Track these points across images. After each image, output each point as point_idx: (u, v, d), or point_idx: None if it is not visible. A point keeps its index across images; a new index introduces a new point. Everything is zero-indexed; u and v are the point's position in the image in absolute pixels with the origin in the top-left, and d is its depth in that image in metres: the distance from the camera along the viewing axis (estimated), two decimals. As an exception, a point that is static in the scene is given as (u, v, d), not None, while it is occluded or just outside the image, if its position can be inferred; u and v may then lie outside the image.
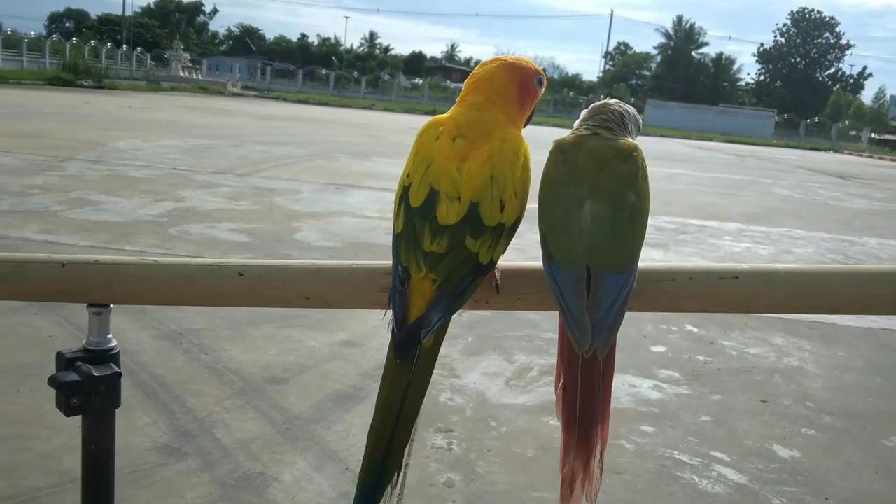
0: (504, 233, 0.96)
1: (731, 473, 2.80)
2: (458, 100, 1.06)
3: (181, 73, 51.48)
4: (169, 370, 3.26)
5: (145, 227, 6.09)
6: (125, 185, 8.12)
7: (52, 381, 1.03)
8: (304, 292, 1.05)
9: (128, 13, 66.56)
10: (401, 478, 0.88)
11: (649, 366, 3.91)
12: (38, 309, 3.85)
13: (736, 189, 14.22)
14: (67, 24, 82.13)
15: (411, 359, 0.93)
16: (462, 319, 4.36)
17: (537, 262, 1.02)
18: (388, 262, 1.03)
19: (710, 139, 41.58)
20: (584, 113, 1.08)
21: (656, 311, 1.07)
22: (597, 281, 0.92)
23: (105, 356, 1.08)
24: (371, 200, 8.62)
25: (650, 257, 6.64)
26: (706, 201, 11.67)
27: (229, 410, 2.93)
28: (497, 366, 3.69)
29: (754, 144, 40.78)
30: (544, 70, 1.11)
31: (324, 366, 3.50)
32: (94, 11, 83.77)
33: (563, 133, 1.06)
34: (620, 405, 3.33)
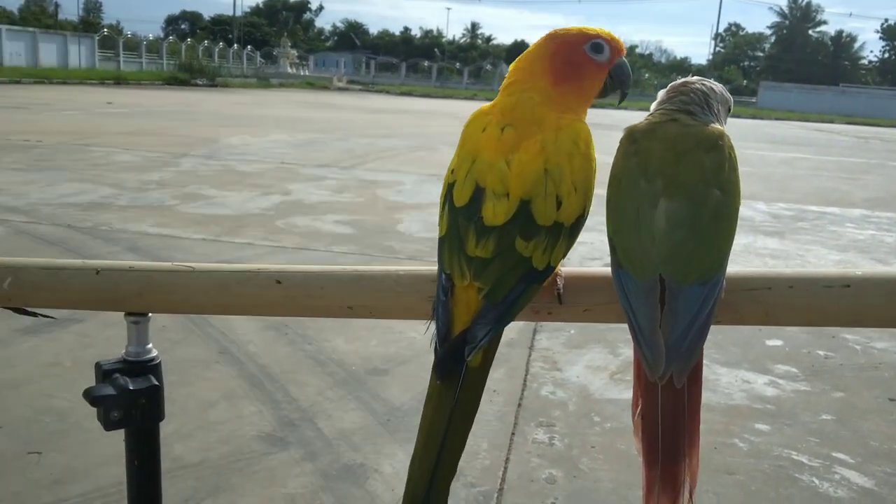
0: (563, 233, 0.84)
1: (855, 476, 2.62)
2: (502, 84, 0.93)
3: (289, 70, 53.00)
4: (274, 360, 3.32)
5: (254, 220, 6.26)
6: (235, 179, 8.39)
7: (87, 395, 0.98)
8: (346, 301, 0.96)
9: (238, 13, 69.07)
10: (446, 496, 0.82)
11: (764, 360, 3.71)
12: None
13: (859, 173, 13.43)
14: (183, 26, 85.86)
15: (455, 380, 0.81)
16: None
17: (609, 269, 0.88)
18: (431, 269, 0.93)
19: (831, 121, 39.47)
20: (661, 94, 0.92)
21: (748, 324, 0.91)
22: (673, 294, 0.78)
23: (145, 368, 1.02)
24: (473, 191, 8.58)
25: (764, 247, 6.32)
26: (826, 186, 11.06)
27: (331, 401, 2.95)
28: (601, 359, 3.59)
29: (879, 126, 38.45)
30: (616, 37, 0.91)
31: (424, 357, 3.49)
32: (208, 13, 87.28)
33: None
34: (733, 401, 3.17)
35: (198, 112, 19.65)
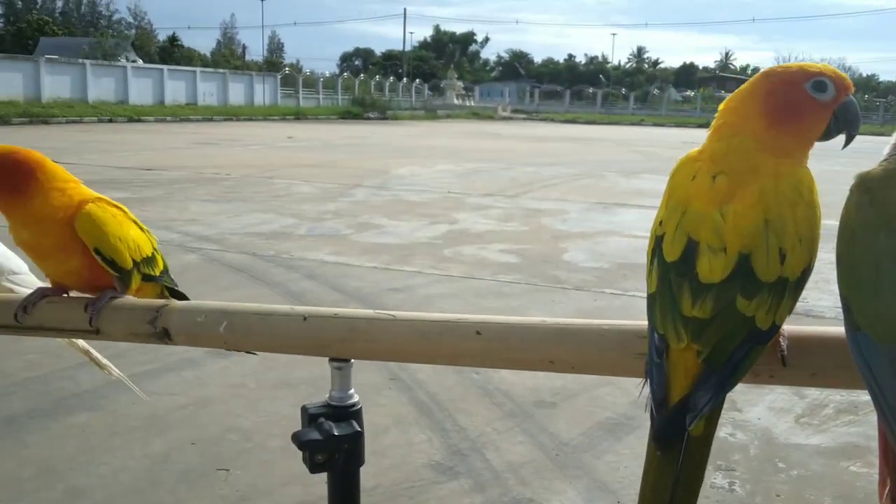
0: (788, 289, 0.77)
1: None
2: (711, 127, 0.87)
3: (455, 101, 54.27)
4: (443, 388, 3.36)
5: (422, 249, 6.41)
6: (405, 209, 8.66)
7: (295, 439, 1.02)
8: (547, 355, 0.94)
9: (408, 48, 71.69)
10: None
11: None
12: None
13: None
14: (356, 62, 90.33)
15: (677, 449, 0.76)
16: (742, 347, 4.04)
17: (840, 327, 0.79)
18: (645, 324, 0.87)
19: None
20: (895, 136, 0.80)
21: None
22: None
23: (347, 413, 1.06)
24: (641, 219, 8.38)
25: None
26: None
27: (499, 432, 2.95)
28: (785, 400, 3.36)
29: None
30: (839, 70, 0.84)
31: (594, 391, 3.41)
32: (379, 49, 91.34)
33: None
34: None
35: (369, 144, 20.53)
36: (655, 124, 45.99)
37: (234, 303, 1.11)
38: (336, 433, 1.02)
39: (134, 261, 1.17)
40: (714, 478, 2.64)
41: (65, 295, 1.20)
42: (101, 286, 1.16)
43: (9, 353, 3.64)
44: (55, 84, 30.77)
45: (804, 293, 0.82)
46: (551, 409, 3.19)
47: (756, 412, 3.21)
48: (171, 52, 60.53)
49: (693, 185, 0.81)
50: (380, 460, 2.70)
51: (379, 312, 1.03)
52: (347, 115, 39.83)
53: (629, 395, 3.38)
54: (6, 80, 29.14)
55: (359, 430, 1.05)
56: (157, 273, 1.24)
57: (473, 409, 3.17)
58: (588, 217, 8.46)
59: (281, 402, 3.19)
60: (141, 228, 1.23)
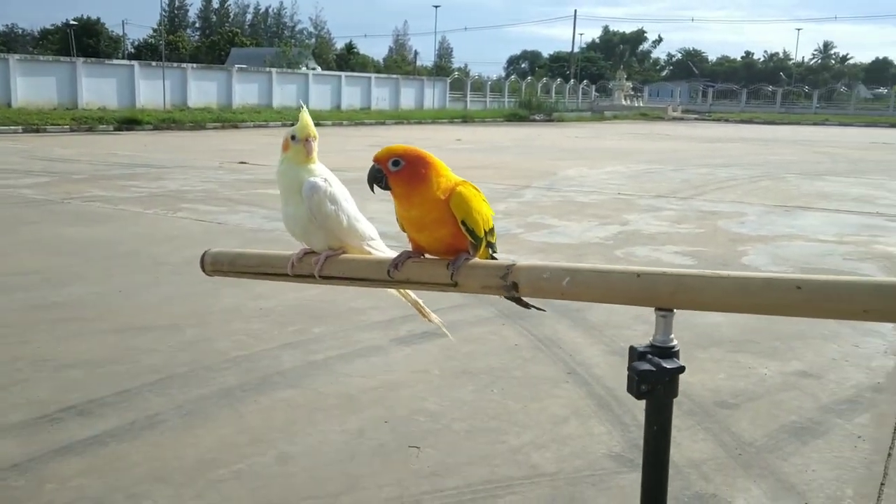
0: None
1: None
2: None
3: (623, 102, 53.26)
4: (619, 384, 3.39)
5: (593, 249, 6.43)
6: (574, 209, 8.68)
7: (632, 369, 1.21)
8: (863, 306, 1.07)
9: (576, 50, 71.08)
10: None
11: None
12: (505, 320, 4.32)
13: None
14: (523, 65, 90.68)
15: None
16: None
17: None
18: None
19: None
20: None
21: None
22: None
23: (669, 352, 1.22)
24: (826, 223, 7.94)
25: None
26: None
27: (680, 430, 2.95)
28: None
29: None
30: None
31: (777, 395, 3.33)
32: (546, 51, 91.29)
33: None
34: None
35: (536, 146, 20.61)
36: (842, 124, 42.96)
37: (574, 263, 1.33)
38: (665, 366, 1.19)
39: (484, 230, 1.41)
40: (912, 489, 2.53)
41: (424, 257, 1.46)
42: (457, 250, 1.41)
43: (221, 333, 4.05)
44: (244, 91, 33.17)
45: None
46: (732, 410, 3.15)
47: (960, 426, 3.02)
48: (348, 59, 63.49)
49: None
50: (561, 448, 2.79)
51: (704, 271, 1.19)
52: (513, 118, 40.13)
53: (815, 399, 3.28)
54: (203, 89, 31.76)
55: (682, 365, 1.21)
56: (494, 241, 1.48)
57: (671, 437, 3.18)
58: (768, 220, 8.12)
59: (462, 390, 3.35)
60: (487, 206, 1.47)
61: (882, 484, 2.56)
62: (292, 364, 3.62)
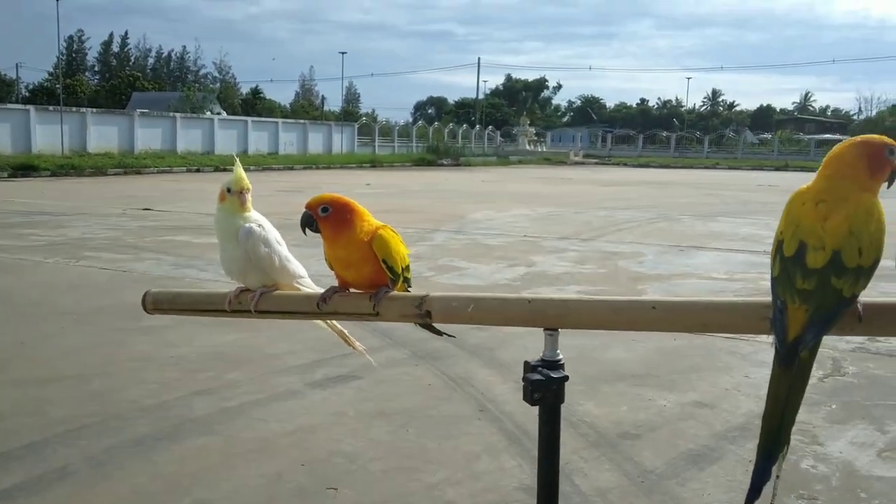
0: (862, 273, 1.19)
1: None
2: (816, 175, 1.28)
3: (527, 147, 54.64)
4: (529, 419, 3.53)
5: (502, 290, 6.62)
6: (482, 252, 8.91)
7: (526, 380, 1.41)
8: (702, 320, 1.34)
9: (480, 96, 72.79)
10: (786, 452, 1.24)
11: None
12: (418, 361, 4.42)
13: None
14: (430, 111, 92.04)
15: (792, 367, 1.20)
16: (824, 386, 4.11)
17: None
18: (761, 299, 1.31)
19: None
20: None
21: None
22: None
23: (556, 365, 1.43)
24: (718, 262, 8.42)
25: None
26: None
27: (586, 460, 3.11)
28: (866, 435, 3.42)
29: None
30: None
31: (675, 424, 3.54)
32: (452, 97, 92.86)
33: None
34: None
35: (444, 190, 20.95)
36: (731, 167, 45.35)
37: (477, 293, 1.52)
38: (553, 376, 1.41)
39: (402, 268, 1.61)
40: (796, 505, 2.74)
41: (348, 291, 1.63)
42: (377, 285, 1.58)
43: (131, 382, 3.99)
44: (147, 136, 32.42)
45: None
46: (634, 441, 3.34)
47: (837, 446, 3.28)
48: (254, 104, 62.98)
49: (803, 209, 1.24)
50: (474, 483, 2.90)
51: (583, 296, 1.45)
52: (422, 162, 40.62)
53: (710, 427, 3.50)
54: (103, 134, 30.87)
55: (566, 375, 1.42)
56: (410, 277, 1.68)
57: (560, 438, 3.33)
58: (664, 259, 8.54)
59: (378, 430, 3.42)
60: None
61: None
62: (206, 411, 3.61)
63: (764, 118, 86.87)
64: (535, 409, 3.62)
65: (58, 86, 44.15)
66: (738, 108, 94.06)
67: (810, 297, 1.19)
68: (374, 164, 37.71)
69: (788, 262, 1.22)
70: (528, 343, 4.74)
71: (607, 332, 5.17)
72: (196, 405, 3.68)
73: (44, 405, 3.64)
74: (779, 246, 1.26)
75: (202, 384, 3.99)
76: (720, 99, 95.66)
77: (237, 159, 1.85)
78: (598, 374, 4.20)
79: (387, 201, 16.18)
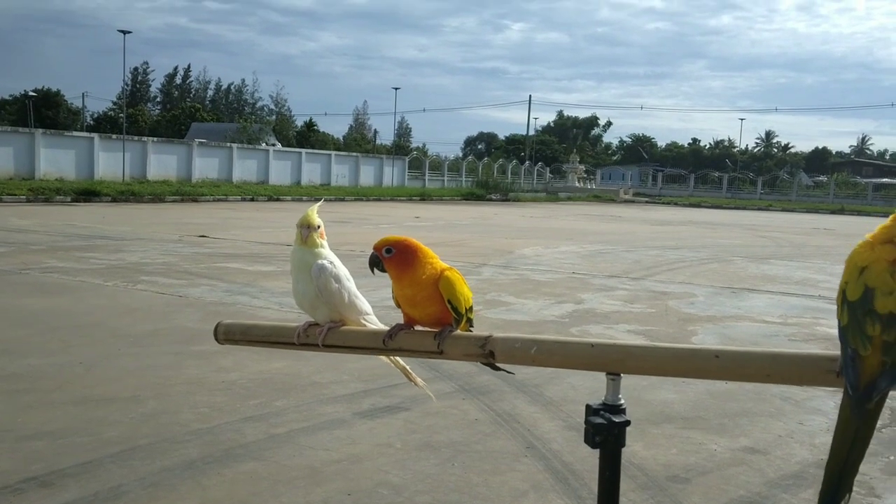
0: None
1: None
2: (891, 218, 1.24)
3: (576, 184, 54.56)
4: (577, 458, 3.51)
5: (549, 327, 6.60)
6: (531, 287, 8.89)
7: (588, 423, 1.42)
8: (765, 371, 1.32)
9: (531, 132, 73.03)
10: (848, 500, 1.19)
11: None
12: (465, 395, 4.42)
13: None
14: (480, 146, 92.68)
15: (863, 414, 1.17)
16: (882, 436, 3.99)
17: None
18: (826, 352, 1.29)
19: None
20: None
21: None
22: None
23: (618, 409, 1.44)
24: (771, 305, 8.26)
25: None
26: None
27: (634, 502, 3.06)
28: (927, 490, 3.30)
29: None
30: None
31: (726, 470, 3.47)
32: (503, 133, 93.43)
33: None
34: None
35: (493, 225, 21.01)
36: (784, 209, 44.60)
37: (539, 335, 1.55)
38: (615, 420, 1.42)
39: (465, 308, 1.66)
40: (852, 559, 2.66)
41: (413, 329, 1.69)
42: (442, 324, 1.64)
43: (183, 405, 4.07)
44: (204, 165, 33.29)
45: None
46: (684, 485, 3.28)
47: (894, 499, 3.19)
48: (308, 136, 64.14)
49: (869, 254, 1.21)
50: (520, 520, 2.87)
51: (646, 342, 1.44)
52: (471, 197, 40.83)
53: (762, 475, 3.42)
54: (163, 162, 31.80)
55: (628, 420, 1.43)
56: (472, 317, 1.72)
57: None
58: (716, 301, 8.41)
59: (424, 463, 3.43)
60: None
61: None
62: (255, 437, 3.66)
63: (819, 161, 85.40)
64: (583, 450, 3.59)
65: (121, 115, 45.65)
66: (792, 150, 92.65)
67: (887, 345, 1.16)
68: (424, 197, 38.02)
69: (856, 308, 1.19)
70: (576, 382, 4.71)
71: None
72: (246, 430, 3.74)
73: (99, 425, 3.74)
74: (843, 293, 1.23)
75: (251, 410, 4.04)
76: (774, 140, 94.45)
77: (318, 202, 2.01)
78: (647, 416, 4.15)
79: (436, 234, 16.27)
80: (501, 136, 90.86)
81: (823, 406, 4.51)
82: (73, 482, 3.06)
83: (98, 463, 3.26)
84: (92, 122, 66.25)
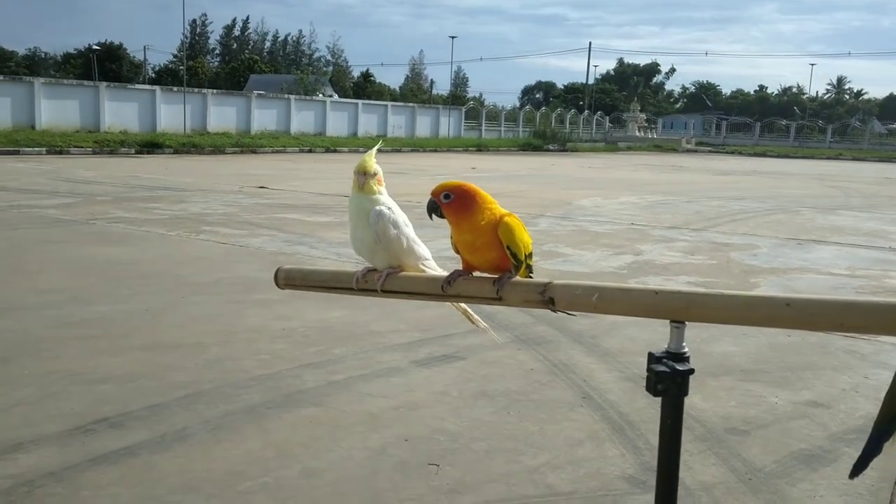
0: None
1: None
2: None
3: (637, 133, 53.49)
4: (633, 409, 3.50)
5: (607, 279, 6.53)
6: (588, 239, 8.80)
7: (650, 370, 1.40)
8: (840, 320, 1.27)
9: (591, 81, 71.56)
10: None
11: None
12: (521, 345, 4.42)
13: None
14: (538, 95, 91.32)
15: None
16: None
17: None
18: None
19: None
20: None
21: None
22: None
23: (681, 357, 1.40)
24: (839, 257, 8.02)
25: None
26: None
27: (691, 454, 3.04)
28: None
29: None
30: None
31: (787, 423, 3.41)
32: (561, 82, 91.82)
33: None
34: None
35: (550, 175, 20.79)
36: (855, 159, 43.01)
37: (601, 282, 1.51)
38: (678, 368, 1.39)
39: (525, 255, 1.64)
40: (918, 515, 2.60)
41: (472, 275, 1.67)
42: (501, 270, 1.62)
43: (245, 352, 4.17)
44: (263, 117, 33.60)
45: None
46: (743, 437, 3.24)
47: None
48: (364, 87, 64.14)
49: None
50: (576, 469, 2.88)
51: (712, 290, 1.38)
52: (528, 147, 40.39)
53: (825, 428, 3.36)
54: (222, 114, 32.20)
55: (692, 368, 1.40)
56: (532, 263, 1.70)
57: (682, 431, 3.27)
58: (781, 253, 8.20)
59: (480, 411, 3.45)
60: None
61: (888, 510, 2.64)
62: (315, 383, 3.74)
63: (894, 107, 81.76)
64: (640, 400, 3.59)
65: (181, 68, 46.23)
66: (865, 97, 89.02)
67: None
68: (481, 148, 37.76)
69: None
70: (634, 333, 4.67)
71: (717, 325, 5.03)
72: (306, 377, 3.82)
73: (165, 370, 3.86)
74: None
75: (311, 357, 4.12)
76: (846, 86, 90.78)
77: (375, 147, 1.95)
78: (706, 368, 4.09)
79: (492, 185, 16.18)
80: (560, 86, 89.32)
81: (891, 360, 4.39)
82: (141, 424, 3.18)
83: (165, 406, 3.38)
84: (153, 75, 67.40)
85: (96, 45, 65.46)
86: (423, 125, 41.58)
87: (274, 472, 2.82)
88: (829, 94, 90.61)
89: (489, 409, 3.47)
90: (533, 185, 17.10)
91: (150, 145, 24.72)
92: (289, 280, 1.87)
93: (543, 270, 6.69)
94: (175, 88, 32.46)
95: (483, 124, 45.75)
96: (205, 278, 6.01)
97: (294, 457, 2.94)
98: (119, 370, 3.83)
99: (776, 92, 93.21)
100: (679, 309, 1.38)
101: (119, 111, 28.75)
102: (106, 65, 63.74)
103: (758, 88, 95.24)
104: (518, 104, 72.99)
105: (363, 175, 1.81)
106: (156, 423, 3.20)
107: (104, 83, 30.79)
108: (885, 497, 2.73)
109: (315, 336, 4.51)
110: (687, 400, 3.51)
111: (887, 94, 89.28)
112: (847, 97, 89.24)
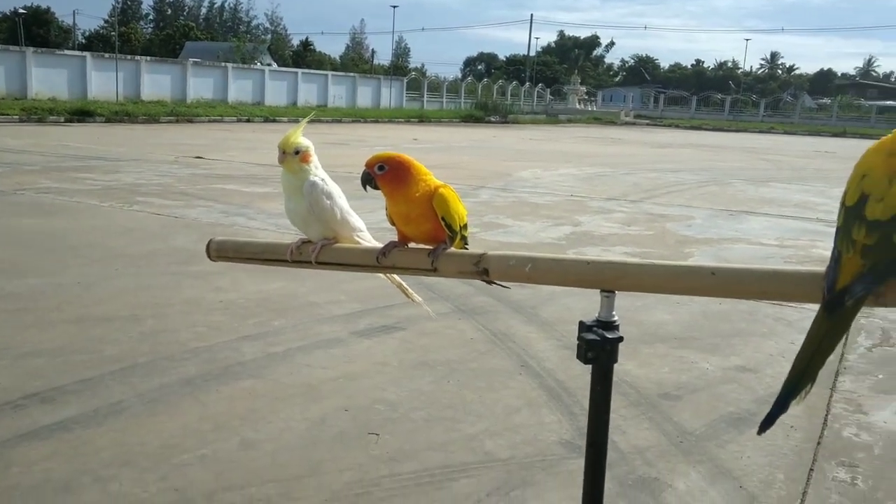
0: None
1: None
2: None
3: (577, 106, 53.89)
4: (570, 377, 3.56)
5: (546, 249, 6.61)
6: (528, 210, 8.87)
7: (581, 339, 1.42)
8: (762, 288, 1.30)
9: (532, 53, 71.70)
10: (809, 390, 1.22)
11: None
12: (461, 315, 4.46)
13: None
14: (479, 67, 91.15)
15: (835, 315, 1.18)
16: (872, 355, 4.04)
17: None
18: (821, 269, 1.27)
19: None
20: None
21: None
22: None
23: (611, 326, 1.43)
24: (768, 227, 8.26)
25: None
26: None
27: (625, 418, 3.12)
28: (914, 407, 3.36)
29: None
30: None
31: (717, 388, 3.53)
32: (503, 53, 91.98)
33: None
34: None
35: (492, 147, 20.84)
36: (787, 132, 44.18)
37: (534, 252, 1.52)
38: (608, 336, 1.41)
39: (460, 226, 1.63)
40: (836, 472, 2.73)
41: (407, 246, 1.67)
42: (436, 241, 1.62)
43: (181, 325, 4.10)
44: (199, 85, 32.78)
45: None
46: (675, 402, 3.33)
47: (882, 416, 3.24)
48: (304, 56, 63.05)
49: (874, 159, 1.19)
50: (513, 435, 2.93)
51: (644, 260, 1.40)
52: (469, 119, 40.38)
53: (753, 392, 3.48)
54: (156, 82, 31.29)
55: (621, 336, 1.43)
56: (467, 235, 1.69)
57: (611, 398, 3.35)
58: (714, 224, 8.41)
59: (420, 381, 3.47)
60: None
61: (811, 469, 2.76)
62: (253, 355, 3.70)
63: (824, 83, 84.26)
64: (576, 367, 3.65)
65: (113, 33, 44.68)
66: (797, 72, 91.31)
67: (866, 249, 1.15)
68: (422, 119, 37.59)
69: (849, 212, 1.18)
70: (571, 303, 4.75)
71: (651, 294, 5.14)
72: (244, 349, 3.78)
73: (98, 343, 3.77)
74: (843, 197, 1.22)
75: (249, 329, 4.08)
76: (779, 62, 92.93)
77: (306, 119, 1.94)
78: (640, 336, 4.19)
79: (434, 157, 16.15)
80: (502, 57, 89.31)
81: (816, 327, 4.56)
82: (73, 398, 3.11)
83: (98, 380, 3.31)
84: (83, 41, 64.98)
85: (22, 8, 62.78)
86: (365, 96, 41.16)
87: (211, 444, 2.79)
88: (762, 69, 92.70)
89: (429, 379, 3.49)
90: (474, 156, 17.12)
91: (81, 113, 23.91)
92: (221, 252, 1.84)
93: (483, 241, 6.75)
94: (107, 55, 31.38)
95: (425, 95, 45.49)
96: (139, 250, 5.88)
97: (232, 429, 2.92)
98: (49, 344, 3.73)
99: (712, 66, 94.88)
100: (610, 279, 1.40)
101: (47, 78, 27.70)
102: (33, 29, 61.18)
103: (695, 63, 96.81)
104: (460, 75, 72.82)
105: (283, 153, 1.78)
106: (89, 397, 3.13)
107: (31, 48, 29.59)
108: (808, 458, 2.85)
109: (253, 308, 4.46)
110: (621, 367, 3.60)
111: (818, 69, 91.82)
112: (780, 72, 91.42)
